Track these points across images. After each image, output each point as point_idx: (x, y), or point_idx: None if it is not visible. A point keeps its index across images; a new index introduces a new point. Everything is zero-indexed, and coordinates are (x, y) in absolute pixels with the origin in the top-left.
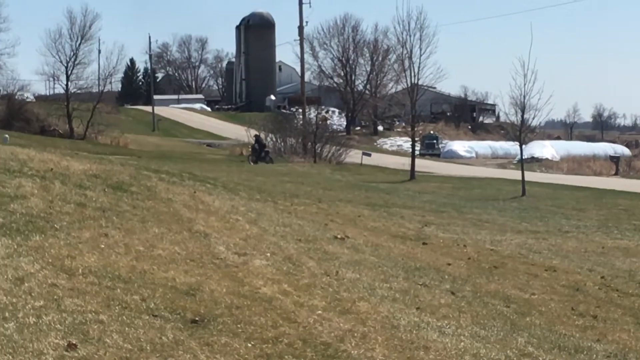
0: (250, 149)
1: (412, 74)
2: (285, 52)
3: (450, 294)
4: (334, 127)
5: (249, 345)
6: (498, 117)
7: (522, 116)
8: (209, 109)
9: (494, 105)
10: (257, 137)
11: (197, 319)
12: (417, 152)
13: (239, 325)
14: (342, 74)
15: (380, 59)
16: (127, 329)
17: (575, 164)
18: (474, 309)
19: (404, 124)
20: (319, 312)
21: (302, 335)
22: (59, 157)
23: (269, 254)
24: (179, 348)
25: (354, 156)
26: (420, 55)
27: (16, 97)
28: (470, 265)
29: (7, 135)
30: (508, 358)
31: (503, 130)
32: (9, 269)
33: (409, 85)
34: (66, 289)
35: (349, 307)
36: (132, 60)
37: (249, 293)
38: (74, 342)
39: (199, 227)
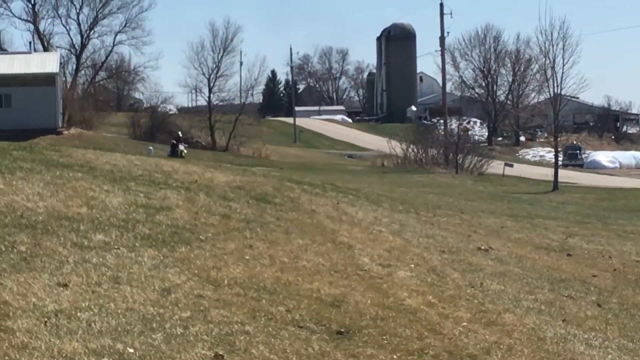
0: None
1: (555, 84)
2: (426, 62)
3: (597, 306)
4: (476, 137)
5: (395, 357)
6: None
7: None
8: (349, 120)
9: (638, 115)
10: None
11: (342, 330)
12: (560, 163)
13: (384, 337)
14: (484, 84)
15: (522, 69)
16: (272, 340)
17: None
18: (621, 321)
19: (546, 135)
20: (464, 323)
21: (448, 347)
22: (203, 168)
23: (413, 266)
24: (325, 359)
25: (495, 167)
26: (563, 65)
27: (159, 109)
28: (616, 277)
29: (151, 147)
30: None
31: None
32: (156, 280)
33: (552, 95)
34: (212, 300)
35: (495, 319)
36: (273, 72)
37: (394, 304)
38: (220, 353)
39: (343, 239)
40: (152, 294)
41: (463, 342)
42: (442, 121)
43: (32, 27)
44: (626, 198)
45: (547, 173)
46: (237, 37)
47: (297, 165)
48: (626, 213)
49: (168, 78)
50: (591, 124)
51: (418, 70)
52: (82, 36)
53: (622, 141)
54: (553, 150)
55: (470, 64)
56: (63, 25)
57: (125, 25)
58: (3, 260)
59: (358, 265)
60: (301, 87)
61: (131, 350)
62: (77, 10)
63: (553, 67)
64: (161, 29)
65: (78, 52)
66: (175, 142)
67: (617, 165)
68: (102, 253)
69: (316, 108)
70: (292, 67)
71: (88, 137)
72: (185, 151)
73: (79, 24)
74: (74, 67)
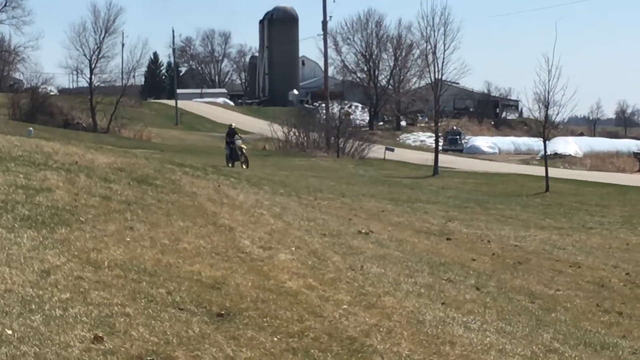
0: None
1: (436, 70)
2: (309, 46)
3: (475, 289)
4: (357, 122)
5: (275, 339)
6: (521, 113)
7: (546, 112)
8: (232, 103)
9: (517, 101)
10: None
11: (222, 312)
12: (440, 148)
13: (264, 319)
14: (366, 69)
15: (403, 54)
16: (153, 322)
17: (599, 161)
18: (499, 305)
19: (427, 120)
20: (345, 306)
21: (328, 330)
22: (84, 150)
23: (293, 248)
24: (205, 342)
25: (377, 151)
26: (444, 51)
27: (40, 90)
28: (495, 261)
29: (31, 128)
30: (534, 354)
31: (526, 126)
32: (35, 262)
33: (433, 80)
34: (92, 282)
35: (375, 302)
36: (155, 54)
37: (275, 287)
38: (100, 335)
39: (224, 221)
40: (31, 275)
41: (343, 324)
42: (323, 105)
43: None
44: (505, 183)
45: (427, 158)
46: (119, 19)
47: (179, 147)
48: (505, 198)
49: (49, 59)
50: (471, 110)
51: (300, 54)
52: None
53: (502, 127)
54: (433, 135)
55: (353, 49)
56: None
57: (5, 5)
58: None
59: (239, 247)
60: (183, 69)
61: (9, 332)
62: None
63: (434, 53)
64: (42, 8)
65: None
66: (228, 139)
67: (497, 150)
68: None
69: (198, 91)
70: (174, 50)
71: None
72: (245, 147)
73: None
74: None
